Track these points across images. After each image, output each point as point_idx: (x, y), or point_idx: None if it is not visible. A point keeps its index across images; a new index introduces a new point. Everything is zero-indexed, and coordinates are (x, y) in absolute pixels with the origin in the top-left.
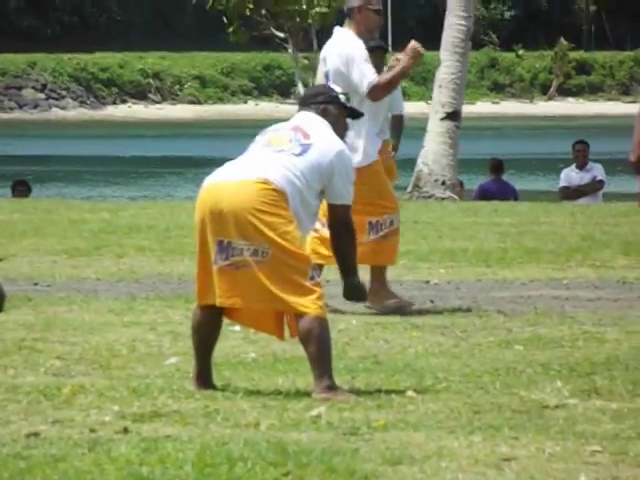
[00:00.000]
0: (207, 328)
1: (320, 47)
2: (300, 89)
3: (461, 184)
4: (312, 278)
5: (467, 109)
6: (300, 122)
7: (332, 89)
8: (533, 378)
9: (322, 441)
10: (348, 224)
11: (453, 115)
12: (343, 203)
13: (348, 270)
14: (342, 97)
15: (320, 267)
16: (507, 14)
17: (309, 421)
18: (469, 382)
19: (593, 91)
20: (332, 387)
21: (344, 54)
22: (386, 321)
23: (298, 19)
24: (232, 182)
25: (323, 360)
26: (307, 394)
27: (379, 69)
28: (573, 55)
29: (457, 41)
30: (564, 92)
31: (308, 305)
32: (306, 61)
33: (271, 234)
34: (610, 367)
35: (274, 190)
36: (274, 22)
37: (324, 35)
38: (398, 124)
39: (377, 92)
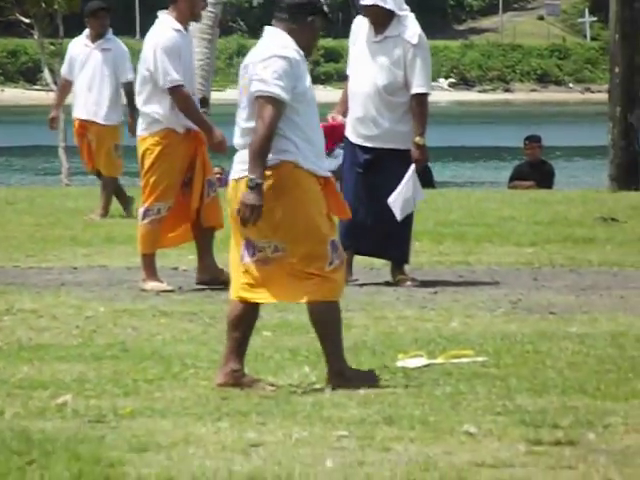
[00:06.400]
0: None
1: (66, 33)
2: (47, 75)
3: None
4: (331, 263)
5: (216, 96)
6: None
7: None
8: (281, 364)
9: (67, 429)
10: None
11: (202, 102)
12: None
13: None
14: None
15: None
16: (255, 1)
17: (54, 409)
18: (217, 368)
19: (341, 79)
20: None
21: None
22: (134, 308)
23: (44, 5)
24: (234, 181)
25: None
26: (53, 382)
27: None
28: (322, 43)
29: (205, 27)
30: (314, 80)
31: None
32: (52, 47)
33: (281, 232)
34: (357, 352)
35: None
36: (19, 8)
37: (70, 21)
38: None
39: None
